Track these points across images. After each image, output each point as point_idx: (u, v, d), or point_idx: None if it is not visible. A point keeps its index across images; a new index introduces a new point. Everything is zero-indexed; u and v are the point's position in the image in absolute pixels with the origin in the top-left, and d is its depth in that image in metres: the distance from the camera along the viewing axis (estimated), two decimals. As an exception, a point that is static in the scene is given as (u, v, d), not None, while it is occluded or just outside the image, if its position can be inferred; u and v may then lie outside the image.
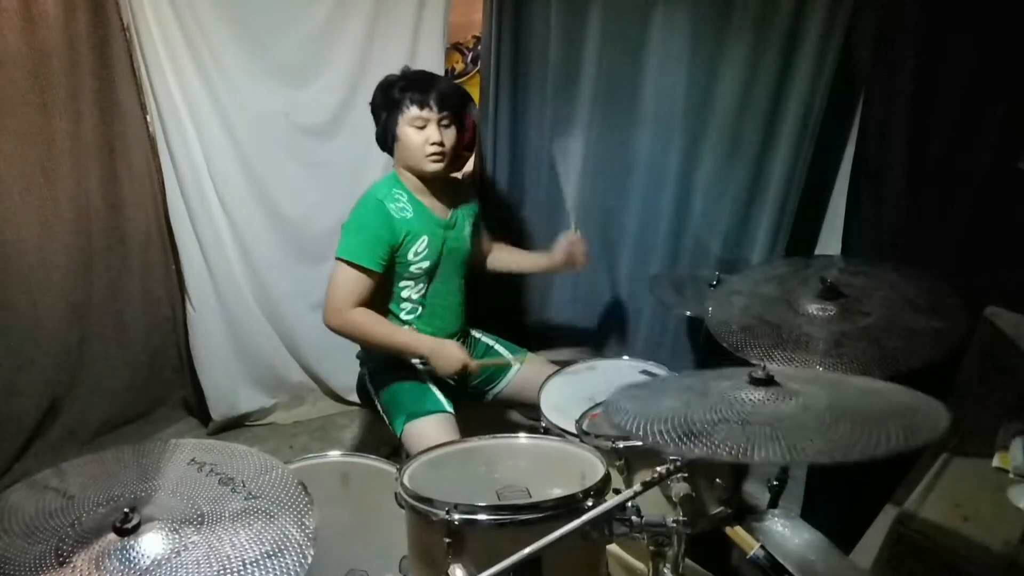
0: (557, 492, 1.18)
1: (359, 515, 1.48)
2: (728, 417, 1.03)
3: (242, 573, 0.92)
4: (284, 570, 0.93)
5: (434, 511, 1.14)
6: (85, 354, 2.67)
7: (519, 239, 2.54)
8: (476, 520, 1.13)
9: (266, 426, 2.97)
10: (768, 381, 1.09)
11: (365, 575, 1.35)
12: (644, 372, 1.96)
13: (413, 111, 1.90)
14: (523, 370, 2.15)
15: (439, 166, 1.94)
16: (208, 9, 2.41)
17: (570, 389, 1.90)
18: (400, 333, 1.97)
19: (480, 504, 1.13)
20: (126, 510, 0.96)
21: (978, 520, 1.41)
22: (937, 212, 1.79)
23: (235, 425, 2.92)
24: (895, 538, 1.46)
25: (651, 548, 1.18)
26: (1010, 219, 1.68)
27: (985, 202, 1.71)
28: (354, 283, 1.87)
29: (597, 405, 1.59)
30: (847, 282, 1.58)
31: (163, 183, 2.59)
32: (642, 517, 1.14)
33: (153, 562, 0.93)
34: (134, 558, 0.93)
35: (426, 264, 1.98)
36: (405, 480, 1.26)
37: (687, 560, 1.26)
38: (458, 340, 2.13)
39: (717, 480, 1.33)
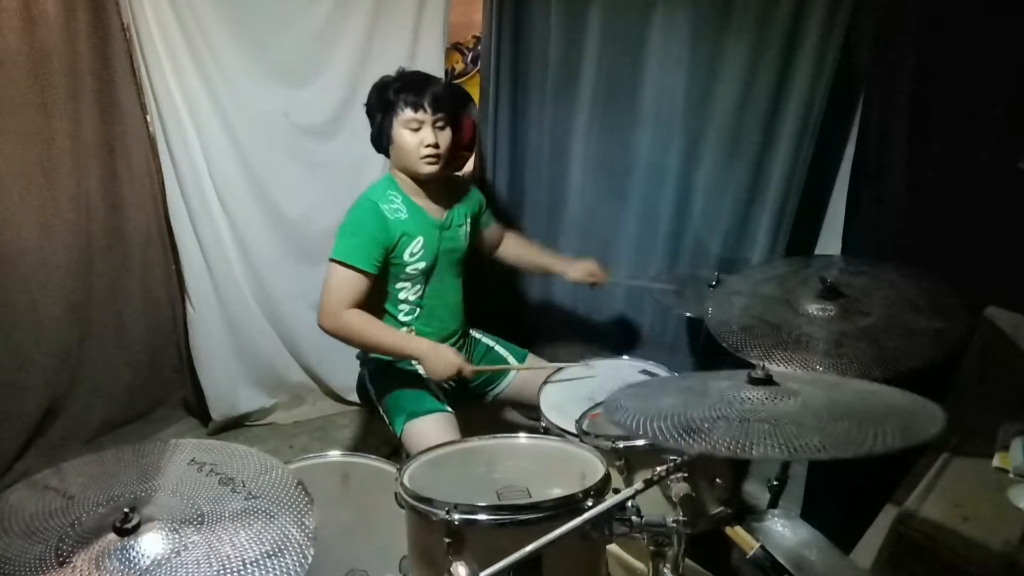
0: (557, 492, 1.18)
1: (359, 515, 1.48)
2: (727, 415, 1.03)
3: (242, 573, 0.92)
4: (284, 570, 0.93)
5: (434, 511, 1.14)
6: (85, 354, 2.67)
7: (519, 239, 2.54)
8: (476, 520, 1.13)
9: (266, 426, 2.97)
10: (767, 380, 1.10)
11: (365, 575, 1.35)
12: (644, 372, 1.96)
13: (407, 113, 1.89)
14: (523, 371, 2.15)
15: (434, 168, 1.94)
16: (208, 9, 2.41)
17: (570, 389, 1.90)
18: (394, 335, 1.96)
19: (480, 504, 1.13)
20: (126, 510, 0.96)
21: (978, 520, 1.41)
22: (937, 212, 1.79)
23: (235, 425, 2.92)
24: (895, 538, 1.46)
25: (651, 548, 1.18)
26: (1010, 219, 1.68)
27: (985, 202, 1.71)
28: (348, 284, 1.86)
29: (597, 405, 1.59)
30: (847, 282, 1.58)
31: (163, 183, 2.59)
32: (642, 517, 1.14)
33: (153, 562, 0.93)
34: (134, 558, 0.93)
35: (422, 265, 1.98)
36: (405, 480, 1.26)
37: (687, 560, 1.26)
38: (458, 340, 2.14)
39: (717, 480, 1.33)
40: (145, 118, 2.53)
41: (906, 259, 1.69)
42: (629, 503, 1.12)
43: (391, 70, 2.01)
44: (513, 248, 2.32)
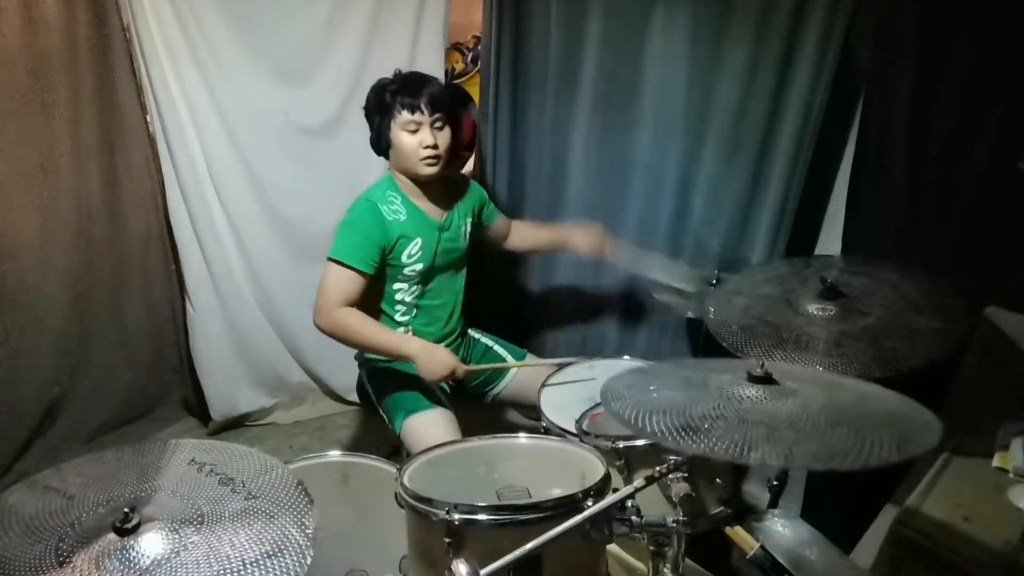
0: (557, 492, 1.18)
1: (359, 515, 1.48)
2: (726, 414, 1.03)
3: (242, 573, 0.92)
4: (284, 570, 0.92)
5: (434, 511, 1.14)
6: (85, 354, 2.67)
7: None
8: (476, 520, 1.13)
9: (266, 426, 2.97)
10: (766, 379, 1.10)
11: (365, 575, 1.35)
12: (644, 372, 1.96)
13: (405, 115, 1.88)
14: (523, 371, 2.15)
15: (434, 169, 1.93)
16: (208, 9, 2.41)
17: (570, 389, 1.90)
18: (388, 335, 1.94)
19: (480, 504, 1.13)
20: (126, 510, 0.96)
21: (978, 520, 1.41)
22: (937, 212, 1.79)
23: (235, 425, 2.92)
24: (895, 538, 1.46)
25: (651, 548, 1.18)
26: (1010, 219, 1.68)
27: (985, 202, 1.72)
28: (344, 284, 1.86)
29: (597, 405, 1.59)
30: (847, 282, 1.58)
31: (163, 183, 2.59)
32: (642, 517, 1.14)
33: (153, 562, 0.93)
34: (134, 558, 0.93)
35: (420, 266, 1.98)
36: (405, 480, 1.26)
37: (687, 560, 1.26)
38: (456, 340, 2.14)
39: (717, 480, 1.33)
40: (145, 118, 2.54)
41: (906, 259, 1.69)
42: (629, 503, 1.13)
43: (391, 70, 2.00)
44: (522, 234, 2.31)
